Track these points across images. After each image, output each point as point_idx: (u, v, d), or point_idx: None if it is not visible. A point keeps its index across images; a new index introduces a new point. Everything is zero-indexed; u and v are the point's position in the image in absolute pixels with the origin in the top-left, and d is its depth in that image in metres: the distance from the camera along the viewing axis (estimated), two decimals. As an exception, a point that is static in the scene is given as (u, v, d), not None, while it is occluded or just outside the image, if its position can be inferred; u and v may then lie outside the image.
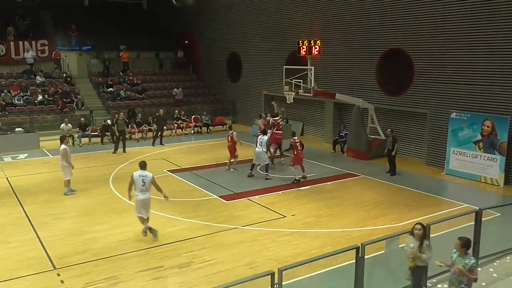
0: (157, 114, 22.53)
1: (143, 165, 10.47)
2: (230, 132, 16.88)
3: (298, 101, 21.08)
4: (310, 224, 11.45)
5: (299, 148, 15.29)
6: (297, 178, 15.11)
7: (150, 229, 10.43)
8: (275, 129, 17.59)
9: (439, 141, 17.19)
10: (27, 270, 8.91)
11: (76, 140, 21.68)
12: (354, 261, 6.94)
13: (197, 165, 17.62)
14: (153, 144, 21.62)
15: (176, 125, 24.63)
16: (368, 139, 18.84)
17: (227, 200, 13.34)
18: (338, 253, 7.19)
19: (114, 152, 19.86)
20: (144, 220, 10.49)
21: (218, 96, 30.63)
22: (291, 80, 17.78)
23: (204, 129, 25.57)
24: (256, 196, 13.59)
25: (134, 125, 23.54)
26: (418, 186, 14.71)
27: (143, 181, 10.24)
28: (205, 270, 8.88)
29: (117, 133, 20.31)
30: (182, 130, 24.86)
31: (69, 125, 21.45)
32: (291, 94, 17.71)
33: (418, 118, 18.44)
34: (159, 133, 21.94)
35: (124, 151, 20.02)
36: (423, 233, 6.80)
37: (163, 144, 21.62)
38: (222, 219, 11.76)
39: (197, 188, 14.65)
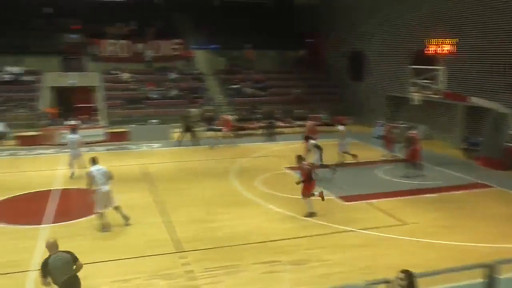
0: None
1: (96, 160, 11.16)
2: None
3: (424, 103, 19.88)
4: (432, 234, 10.74)
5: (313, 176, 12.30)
6: (312, 211, 11.84)
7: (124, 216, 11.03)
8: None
9: None
10: (153, 250, 9.66)
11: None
12: (482, 281, 6.31)
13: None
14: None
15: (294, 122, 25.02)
16: (505, 147, 17.11)
17: (345, 201, 13.11)
18: (465, 269, 6.62)
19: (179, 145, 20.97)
20: (104, 215, 10.80)
21: (339, 95, 30.25)
22: (419, 80, 16.86)
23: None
24: (376, 200, 13.14)
25: (255, 122, 24.43)
26: None
27: (101, 175, 10.76)
28: (320, 270, 8.82)
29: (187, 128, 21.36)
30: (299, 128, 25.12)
31: (198, 109, 23.17)
32: (417, 96, 16.80)
33: None
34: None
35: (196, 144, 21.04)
36: (407, 285, 5.32)
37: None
38: (340, 220, 11.58)
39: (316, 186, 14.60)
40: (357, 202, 13.09)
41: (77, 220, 11.51)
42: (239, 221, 11.49)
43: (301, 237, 10.44)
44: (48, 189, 14.22)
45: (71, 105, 26.70)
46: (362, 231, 10.86)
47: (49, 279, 6.52)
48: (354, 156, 17.36)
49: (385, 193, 13.80)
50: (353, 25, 28.07)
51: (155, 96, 27.14)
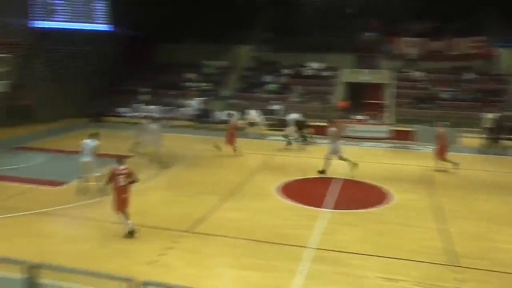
0: None
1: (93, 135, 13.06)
2: None
3: None
4: None
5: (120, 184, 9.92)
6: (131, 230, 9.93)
7: None
8: None
9: None
10: (423, 256, 9.26)
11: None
12: None
13: None
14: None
15: None
16: None
17: None
18: None
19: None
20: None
21: None
22: None
23: None
24: None
25: None
26: None
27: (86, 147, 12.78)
28: None
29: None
30: None
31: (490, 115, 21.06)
32: None
33: None
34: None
35: None
36: None
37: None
38: None
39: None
40: None
41: (353, 210, 12.09)
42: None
43: None
44: (333, 176, 15.35)
45: (361, 100, 28.02)
46: None
47: None
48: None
49: None
50: None
51: (446, 96, 25.79)
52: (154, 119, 18.13)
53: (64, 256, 8.50)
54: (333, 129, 16.03)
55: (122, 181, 9.88)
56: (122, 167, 10.03)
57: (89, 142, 12.99)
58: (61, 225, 10.85)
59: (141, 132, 17.84)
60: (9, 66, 18.16)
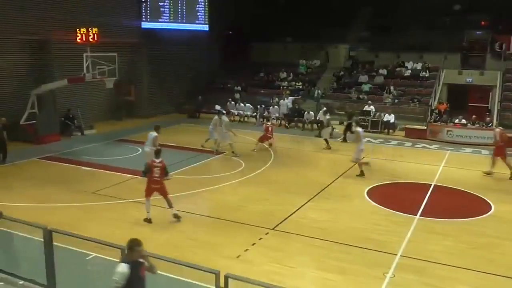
0: None
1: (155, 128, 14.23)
2: None
3: None
4: None
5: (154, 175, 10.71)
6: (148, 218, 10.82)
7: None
8: None
9: None
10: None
11: None
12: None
13: None
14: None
15: None
16: None
17: None
18: None
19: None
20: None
21: None
22: None
23: None
24: None
25: None
26: None
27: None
28: None
29: None
30: None
31: None
32: None
33: None
34: None
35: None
36: None
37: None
38: None
39: None
40: None
41: (446, 219, 11.40)
42: None
43: None
44: (426, 183, 14.59)
45: (464, 103, 26.21)
46: None
47: None
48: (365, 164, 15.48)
49: None
50: None
51: None
52: (226, 114, 18.46)
53: (153, 244, 9.03)
54: (358, 129, 15.68)
55: (156, 172, 10.67)
56: (158, 160, 10.82)
57: (150, 134, 14.16)
58: (153, 214, 11.54)
59: (215, 128, 18.12)
60: (117, 64, 19.61)
